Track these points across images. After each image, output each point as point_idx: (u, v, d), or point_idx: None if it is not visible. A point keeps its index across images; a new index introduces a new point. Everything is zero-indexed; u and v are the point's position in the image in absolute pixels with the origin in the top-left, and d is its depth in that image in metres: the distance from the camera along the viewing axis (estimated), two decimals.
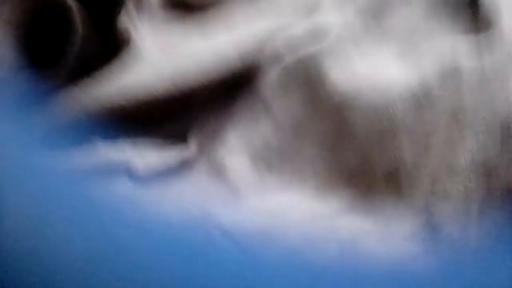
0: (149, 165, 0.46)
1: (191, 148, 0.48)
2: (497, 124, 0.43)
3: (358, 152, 0.45)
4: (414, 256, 0.41)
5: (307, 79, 0.47)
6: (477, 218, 0.42)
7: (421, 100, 0.44)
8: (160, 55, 0.49)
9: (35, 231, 0.34)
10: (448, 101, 0.44)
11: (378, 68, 0.46)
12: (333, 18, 0.48)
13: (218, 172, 0.48)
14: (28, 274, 0.34)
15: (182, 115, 0.49)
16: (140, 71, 0.48)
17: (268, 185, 0.47)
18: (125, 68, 0.49)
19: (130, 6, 0.52)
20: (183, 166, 0.48)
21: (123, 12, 0.52)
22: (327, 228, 0.43)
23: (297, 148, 0.47)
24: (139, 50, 0.50)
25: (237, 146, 0.48)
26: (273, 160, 0.47)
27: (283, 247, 0.41)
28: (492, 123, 0.43)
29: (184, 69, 0.48)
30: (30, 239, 0.34)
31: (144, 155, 0.47)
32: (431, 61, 0.45)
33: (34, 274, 0.34)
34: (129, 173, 0.43)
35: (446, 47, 0.45)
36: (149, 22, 0.52)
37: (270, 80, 0.48)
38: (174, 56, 0.48)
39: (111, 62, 0.50)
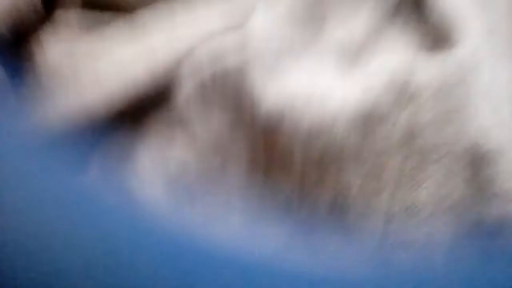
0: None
1: (92, 171, 0.40)
2: (465, 144, 0.35)
3: (294, 172, 0.38)
4: None
5: (229, 93, 0.40)
6: (443, 264, 0.33)
7: (369, 115, 0.36)
8: (65, 73, 0.42)
9: (35, 231, 0.33)
10: (401, 119, 0.36)
11: (316, 83, 0.39)
12: (262, 29, 0.41)
13: (126, 198, 0.40)
14: (27, 275, 0.32)
15: (83, 136, 0.42)
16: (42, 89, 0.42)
17: (186, 211, 0.39)
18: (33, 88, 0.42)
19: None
20: (83, 194, 0.40)
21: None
22: (261, 267, 0.36)
23: (219, 166, 0.40)
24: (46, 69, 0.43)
25: (147, 165, 0.40)
26: (190, 181, 0.39)
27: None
28: (458, 143, 0.35)
29: (87, 87, 0.41)
30: (29, 240, 0.33)
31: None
32: (379, 75, 0.38)
33: (34, 274, 0.32)
34: None
35: (396, 61, 0.38)
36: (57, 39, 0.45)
37: (187, 94, 0.41)
38: (78, 75, 0.41)
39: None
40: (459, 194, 0.34)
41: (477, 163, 0.34)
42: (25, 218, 0.34)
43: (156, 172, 0.41)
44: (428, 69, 0.36)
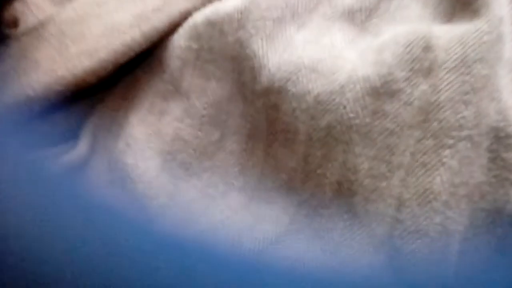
0: (42, 171, 0.36)
1: (81, 145, 0.38)
2: (484, 128, 0.32)
3: (298, 151, 0.35)
4: None
5: (227, 63, 0.37)
6: (458, 253, 0.31)
7: (380, 92, 0.33)
8: (52, 41, 0.38)
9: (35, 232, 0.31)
10: (416, 93, 0.32)
11: (324, 48, 0.36)
12: None
13: (118, 174, 0.37)
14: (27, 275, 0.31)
15: (72, 106, 0.39)
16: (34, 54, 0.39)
17: (183, 190, 0.36)
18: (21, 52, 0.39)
19: None
20: (73, 170, 0.38)
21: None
22: (261, 254, 0.33)
23: (217, 140, 0.37)
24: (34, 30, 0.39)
25: (140, 138, 0.37)
26: (188, 157, 0.37)
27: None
28: (477, 127, 0.32)
29: (76, 51, 0.37)
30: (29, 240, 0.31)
31: (34, 162, 0.37)
32: (392, 46, 0.34)
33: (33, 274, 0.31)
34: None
35: (411, 31, 0.34)
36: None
37: (182, 63, 0.38)
38: (66, 42, 0.38)
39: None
40: (476, 182, 0.31)
41: (496, 148, 0.31)
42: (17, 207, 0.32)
43: (151, 147, 0.38)
44: (447, 42, 0.32)
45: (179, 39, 0.38)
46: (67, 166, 0.38)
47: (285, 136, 0.35)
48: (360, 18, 0.36)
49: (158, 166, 0.37)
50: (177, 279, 0.30)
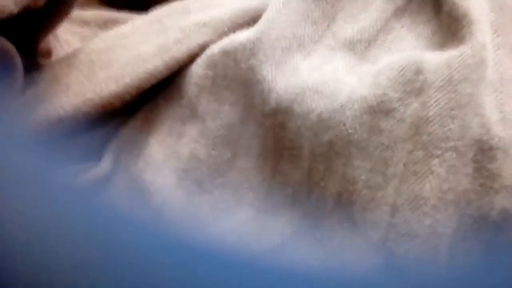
0: (66, 185, 0.39)
1: (105, 163, 0.41)
2: (468, 140, 0.35)
3: (302, 166, 0.38)
4: None
5: (240, 88, 0.41)
6: (448, 255, 0.34)
7: (376, 110, 0.36)
8: (82, 68, 0.43)
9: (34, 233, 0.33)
10: (408, 111, 0.36)
11: (326, 73, 0.39)
12: (274, 25, 0.42)
13: (138, 189, 0.40)
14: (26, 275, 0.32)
15: (98, 127, 0.43)
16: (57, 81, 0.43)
17: (196, 204, 0.40)
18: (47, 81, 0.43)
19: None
20: (96, 185, 0.41)
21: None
22: (268, 259, 0.36)
23: (229, 159, 0.40)
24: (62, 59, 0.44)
25: (159, 158, 0.41)
26: (202, 174, 0.40)
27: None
28: (462, 139, 0.35)
29: (103, 77, 0.41)
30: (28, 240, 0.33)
31: (62, 177, 0.40)
32: (387, 71, 0.37)
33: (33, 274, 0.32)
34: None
35: (405, 58, 0.38)
36: (69, 29, 0.46)
37: (199, 89, 0.42)
38: (94, 70, 0.42)
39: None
40: (462, 189, 0.34)
41: (480, 159, 0.35)
42: (27, 217, 0.34)
43: (168, 166, 0.41)
44: (435, 66, 0.36)
45: (197, 68, 0.42)
46: (91, 182, 0.42)
47: (290, 152, 0.38)
48: (360, 48, 0.40)
49: (173, 183, 0.40)
50: (181, 280, 0.33)
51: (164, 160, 0.41)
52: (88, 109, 0.41)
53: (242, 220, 0.38)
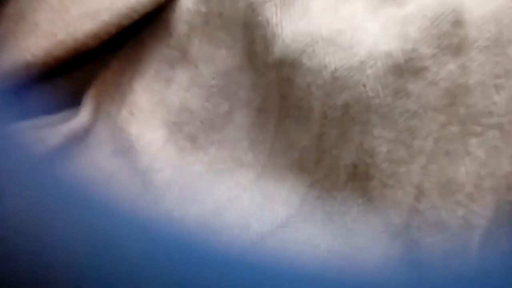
0: (41, 140, 0.35)
1: (83, 113, 0.36)
2: None
3: (311, 129, 0.33)
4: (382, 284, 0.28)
5: (238, 31, 0.35)
6: (479, 248, 0.29)
7: (404, 69, 0.30)
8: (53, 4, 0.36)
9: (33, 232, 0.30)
10: (443, 73, 0.30)
11: (343, 18, 0.33)
12: None
13: (121, 144, 0.35)
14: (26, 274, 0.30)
15: (73, 71, 0.37)
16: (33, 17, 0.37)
17: (189, 163, 0.35)
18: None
19: None
20: (75, 139, 0.36)
21: None
22: (269, 236, 0.32)
23: (226, 112, 0.35)
24: None
25: (145, 108, 0.36)
26: (195, 129, 0.35)
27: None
28: (508, 115, 0.29)
29: (76, 13, 0.36)
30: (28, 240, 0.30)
31: (36, 129, 0.36)
32: (418, 19, 0.31)
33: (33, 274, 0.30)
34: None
35: (440, 2, 0.31)
36: None
37: (190, 27, 0.36)
38: (68, 5, 0.37)
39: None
40: (503, 174, 0.29)
41: None
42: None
43: (156, 117, 0.36)
44: (479, 17, 0.30)
45: (187, 2, 0.36)
46: (69, 134, 0.37)
47: (298, 112, 0.33)
48: None
49: (163, 138, 0.36)
50: (179, 265, 0.29)
51: (151, 109, 0.36)
52: (60, 52, 0.35)
53: (241, 185, 0.33)
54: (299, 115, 0.33)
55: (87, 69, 0.38)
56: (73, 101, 0.38)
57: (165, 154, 0.35)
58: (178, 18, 0.36)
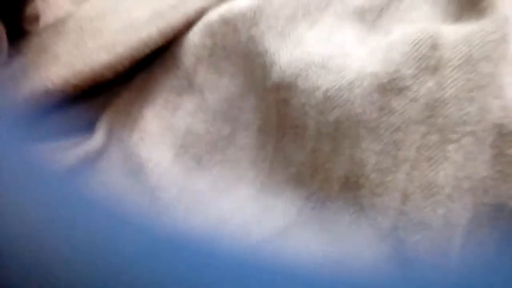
0: (57, 161, 0.38)
1: (97, 137, 0.39)
2: (487, 124, 0.32)
3: (306, 145, 0.36)
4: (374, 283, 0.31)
5: (240, 59, 0.38)
6: (461, 246, 0.31)
7: (388, 88, 0.34)
8: (71, 36, 0.40)
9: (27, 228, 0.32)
10: (422, 90, 0.33)
11: (334, 46, 0.36)
12: None
13: (132, 165, 0.38)
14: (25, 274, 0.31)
15: (89, 99, 0.40)
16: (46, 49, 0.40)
17: (194, 183, 0.37)
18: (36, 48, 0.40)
19: None
20: (88, 161, 0.39)
21: None
22: (268, 244, 0.34)
23: (229, 135, 0.38)
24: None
25: (154, 132, 0.38)
26: (200, 150, 0.38)
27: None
28: (480, 123, 0.32)
29: (94, 46, 0.39)
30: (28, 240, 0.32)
31: (54, 151, 0.38)
32: (401, 44, 0.34)
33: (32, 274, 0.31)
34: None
35: (420, 30, 0.35)
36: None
37: (196, 59, 0.39)
38: (85, 38, 0.40)
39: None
40: (479, 176, 0.32)
41: (499, 145, 0.32)
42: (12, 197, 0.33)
43: (164, 141, 0.39)
44: (453, 41, 0.33)
45: (194, 37, 0.39)
46: (82, 158, 0.39)
47: (294, 130, 0.36)
48: (371, 17, 0.37)
49: (170, 159, 0.38)
50: (181, 270, 0.31)
51: (160, 134, 0.39)
52: (77, 81, 0.38)
53: (243, 199, 0.36)
54: (295, 133, 0.36)
55: (101, 98, 0.41)
56: (88, 127, 0.41)
57: (172, 174, 0.38)
58: (185, 52, 0.40)
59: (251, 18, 0.37)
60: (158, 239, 0.33)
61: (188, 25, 0.40)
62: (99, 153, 0.39)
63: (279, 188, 0.36)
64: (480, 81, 0.32)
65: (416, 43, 0.34)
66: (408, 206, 0.32)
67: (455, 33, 0.34)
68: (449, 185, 0.32)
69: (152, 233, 0.33)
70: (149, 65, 0.41)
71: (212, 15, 0.39)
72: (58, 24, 0.40)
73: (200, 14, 0.40)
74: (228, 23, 0.38)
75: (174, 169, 0.38)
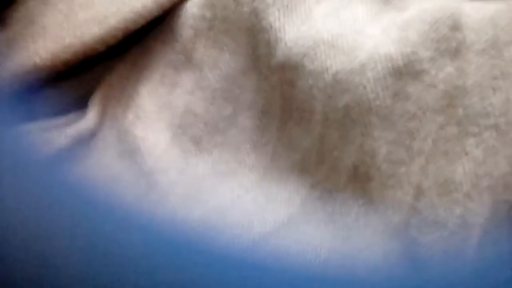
0: (48, 142, 0.36)
1: (89, 116, 0.36)
2: (509, 119, 0.30)
3: (313, 131, 0.33)
4: (382, 283, 0.29)
5: (242, 35, 0.36)
6: (477, 247, 0.29)
7: (403, 72, 0.31)
8: (61, 8, 0.37)
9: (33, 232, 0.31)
10: (441, 75, 0.30)
11: (344, 22, 0.34)
12: None
13: (127, 146, 0.36)
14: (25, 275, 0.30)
15: (80, 74, 0.38)
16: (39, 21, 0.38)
17: (193, 165, 0.35)
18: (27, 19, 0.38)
19: None
20: (81, 141, 0.36)
21: None
22: (271, 236, 0.32)
23: (230, 115, 0.35)
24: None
25: (151, 111, 0.36)
26: (199, 131, 0.35)
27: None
28: (504, 115, 0.30)
29: (84, 18, 0.37)
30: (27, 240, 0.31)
31: (43, 131, 0.36)
32: (417, 23, 0.32)
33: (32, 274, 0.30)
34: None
35: (439, 7, 0.32)
36: None
37: (195, 32, 0.36)
38: (75, 10, 0.37)
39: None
40: (500, 173, 0.29)
41: None
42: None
43: (161, 120, 0.37)
44: (476, 21, 0.30)
45: (192, 7, 0.37)
46: (74, 138, 0.37)
47: (300, 114, 0.34)
48: None
49: (168, 140, 0.36)
50: (181, 265, 0.29)
51: (156, 113, 0.37)
52: (67, 56, 0.36)
53: (244, 186, 0.34)
54: (301, 117, 0.34)
55: (94, 73, 0.39)
56: (80, 104, 0.38)
57: (170, 156, 0.36)
58: (183, 23, 0.37)
59: None
60: (155, 232, 0.31)
61: None
62: (92, 133, 0.37)
63: (283, 174, 0.34)
64: (506, 68, 0.29)
65: (435, 22, 0.31)
66: (422, 203, 0.30)
67: (479, 12, 0.31)
68: (468, 183, 0.29)
69: (148, 226, 0.32)
70: (144, 38, 0.38)
71: None
72: None
73: None
74: None
75: (172, 150, 0.36)
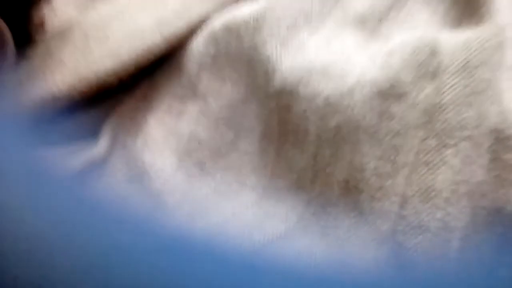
0: (62, 166, 0.38)
1: (101, 143, 0.39)
2: (484, 129, 0.33)
3: (307, 150, 0.36)
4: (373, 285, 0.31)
5: (242, 66, 0.39)
6: (459, 249, 0.32)
7: (388, 94, 0.34)
8: (76, 41, 0.40)
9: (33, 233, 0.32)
10: (421, 96, 0.34)
11: (335, 52, 0.37)
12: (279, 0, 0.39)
13: (136, 170, 0.39)
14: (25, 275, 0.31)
15: (94, 105, 0.41)
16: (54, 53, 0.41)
17: (197, 188, 0.38)
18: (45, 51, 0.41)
19: None
20: (93, 166, 0.39)
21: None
22: (272, 247, 0.35)
23: (232, 141, 0.38)
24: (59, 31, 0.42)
25: (158, 138, 0.39)
26: (203, 156, 0.38)
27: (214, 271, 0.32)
28: (478, 128, 0.33)
29: (99, 53, 0.39)
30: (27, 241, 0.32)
31: (59, 156, 0.39)
32: (400, 51, 0.35)
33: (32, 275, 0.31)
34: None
35: (419, 36, 0.36)
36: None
37: (200, 66, 0.40)
38: (89, 43, 0.40)
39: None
40: (477, 180, 0.32)
41: (496, 149, 0.33)
42: (17, 203, 0.33)
43: (168, 146, 0.39)
44: (451, 48, 0.34)
45: (197, 45, 0.40)
46: (87, 163, 0.40)
47: (295, 136, 0.37)
48: (371, 24, 0.38)
49: (174, 165, 0.39)
50: (186, 275, 0.31)
51: (163, 140, 0.39)
52: (83, 87, 0.39)
53: (244, 204, 0.37)
54: (297, 139, 0.37)
55: (106, 104, 0.42)
56: (93, 132, 0.41)
57: (176, 179, 0.39)
58: (189, 59, 0.40)
59: (254, 26, 0.38)
60: (162, 242, 0.33)
61: (191, 32, 0.40)
62: (104, 159, 0.40)
63: (281, 194, 0.37)
64: (477, 87, 0.33)
65: (415, 50, 0.35)
66: (406, 210, 0.33)
67: (453, 40, 0.34)
68: (447, 189, 0.32)
69: (155, 236, 0.34)
70: (153, 72, 0.41)
71: (216, 24, 0.40)
72: (64, 31, 0.41)
73: (203, 20, 0.40)
74: (231, 31, 0.39)
75: (177, 174, 0.39)
